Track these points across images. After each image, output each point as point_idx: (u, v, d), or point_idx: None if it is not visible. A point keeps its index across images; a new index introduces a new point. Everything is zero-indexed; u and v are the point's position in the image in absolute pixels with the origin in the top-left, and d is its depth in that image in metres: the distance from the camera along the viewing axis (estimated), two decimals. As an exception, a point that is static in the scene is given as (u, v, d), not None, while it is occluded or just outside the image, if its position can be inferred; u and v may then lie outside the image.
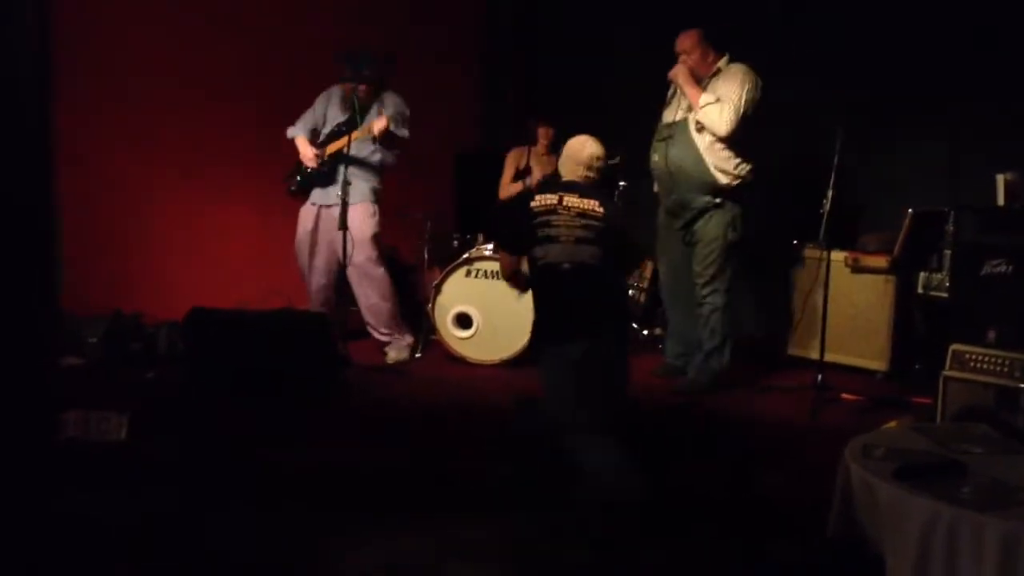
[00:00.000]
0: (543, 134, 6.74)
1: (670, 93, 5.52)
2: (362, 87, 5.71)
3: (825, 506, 2.92)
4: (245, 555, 3.29)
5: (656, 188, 5.57)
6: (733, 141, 5.15)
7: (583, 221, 3.89)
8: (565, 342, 3.81)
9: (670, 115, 5.41)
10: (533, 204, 3.95)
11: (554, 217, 3.86)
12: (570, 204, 3.93)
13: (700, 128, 5.20)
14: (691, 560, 3.31)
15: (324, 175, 5.78)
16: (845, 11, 6.05)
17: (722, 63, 5.29)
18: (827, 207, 5.07)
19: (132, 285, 6.11)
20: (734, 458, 4.27)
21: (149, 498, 3.63)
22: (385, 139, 5.69)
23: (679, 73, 5.31)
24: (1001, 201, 4.81)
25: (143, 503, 3.58)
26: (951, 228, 5.16)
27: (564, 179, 4.17)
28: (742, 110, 5.11)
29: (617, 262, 4.13)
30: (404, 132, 5.67)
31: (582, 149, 4.20)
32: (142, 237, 6.27)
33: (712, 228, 5.30)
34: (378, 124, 5.58)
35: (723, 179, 5.22)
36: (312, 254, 5.87)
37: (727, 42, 5.40)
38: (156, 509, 3.55)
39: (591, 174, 4.12)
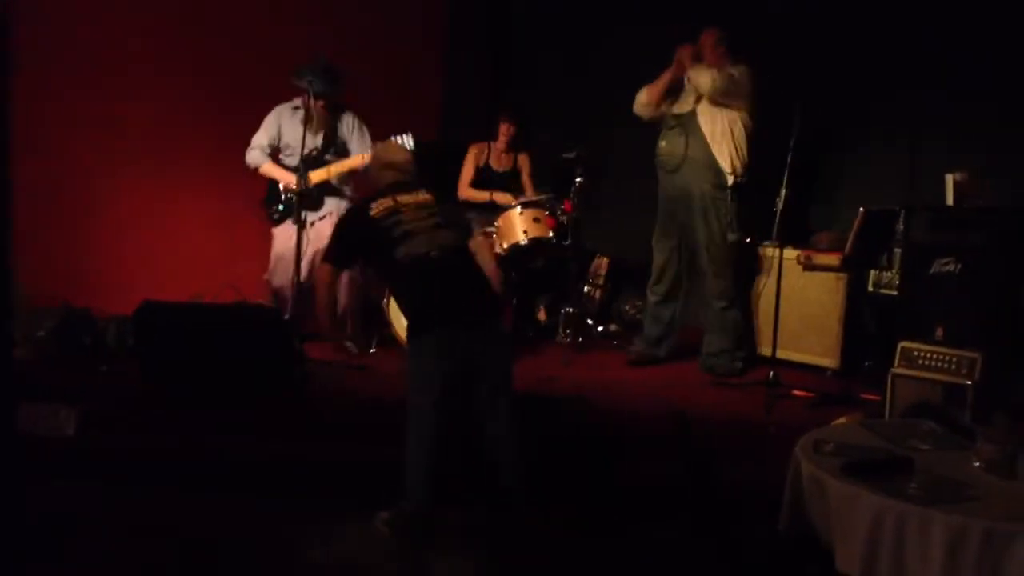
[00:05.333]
0: (504, 130, 6.70)
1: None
2: (320, 103, 5.72)
3: (776, 500, 2.95)
4: (204, 549, 3.28)
5: (661, 178, 5.75)
6: (715, 93, 5.45)
7: (426, 211, 3.92)
8: (447, 325, 3.77)
9: (680, 107, 5.66)
10: (372, 212, 3.93)
11: (399, 215, 3.86)
12: (405, 201, 3.94)
13: (714, 102, 5.47)
14: (645, 553, 3.34)
15: (309, 196, 5.73)
16: (803, 8, 6.11)
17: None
18: (780, 205, 5.14)
19: (83, 278, 6.01)
20: (686, 453, 4.29)
21: (104, 491, 3.59)
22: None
23: (687, 52, 5.56)
24: (950, 201, 4.88)
25: (97, 496, 3.55)
26: (901, 227, 5.23)
27: (385, 184, 4.13)
28: (730, 85, 5.43)
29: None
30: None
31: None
32: (94, 229, 6.18)
33: (707, 231, 5.58)
34: (361, 161, 5.63)
35: (727, 168, 5.51)
36: (298, 270, 5.71)
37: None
38: (112, 502, 3.52)
39: (404, 176, 4.13)
